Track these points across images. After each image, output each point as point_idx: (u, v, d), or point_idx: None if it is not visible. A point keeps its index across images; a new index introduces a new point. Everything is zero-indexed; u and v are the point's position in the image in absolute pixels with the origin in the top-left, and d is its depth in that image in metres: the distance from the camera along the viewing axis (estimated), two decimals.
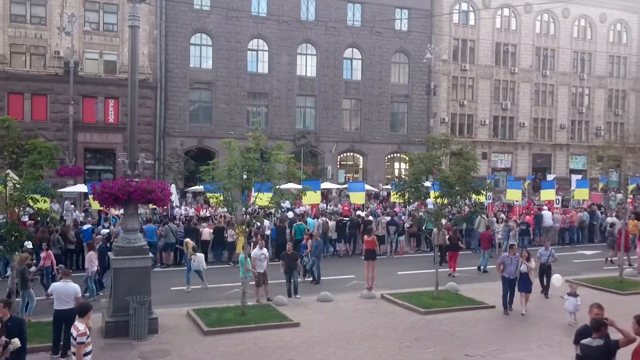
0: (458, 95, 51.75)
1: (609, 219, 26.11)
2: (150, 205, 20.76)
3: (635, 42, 57.51)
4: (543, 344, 12.03)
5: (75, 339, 8.11)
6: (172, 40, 42.01)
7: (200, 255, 17.90)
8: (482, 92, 52.32)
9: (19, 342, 8.20)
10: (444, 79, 50.88)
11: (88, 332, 8.27)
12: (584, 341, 7.30)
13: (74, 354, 8.21)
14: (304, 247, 19.18)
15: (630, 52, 57.31)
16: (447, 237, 19.81)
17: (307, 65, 46.43)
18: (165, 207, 24.62)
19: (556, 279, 14.31)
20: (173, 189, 29.60)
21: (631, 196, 33.39)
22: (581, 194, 31.72)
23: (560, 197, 32.35)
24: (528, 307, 14.46)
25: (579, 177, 40.10)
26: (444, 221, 16.83)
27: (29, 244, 15.41)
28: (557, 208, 29.46)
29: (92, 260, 16.17)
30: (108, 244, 18.05)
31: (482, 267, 20.77)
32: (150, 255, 13.58)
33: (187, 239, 19.03)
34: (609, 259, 22.30)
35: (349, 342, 12.16)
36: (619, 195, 28.53)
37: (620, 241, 18.72)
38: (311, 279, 18.71)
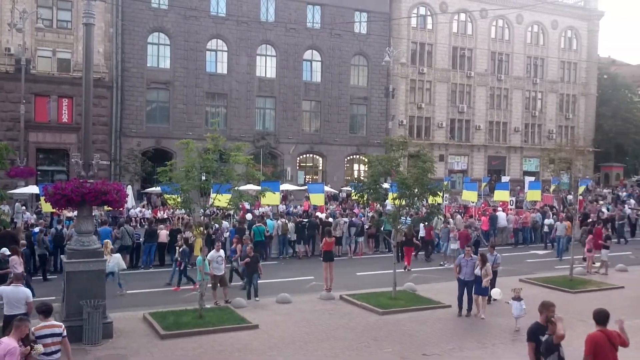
0: (416, 98, 52.47)
1: (547, 221, 26.90)
2: (105, 207, 20.33)
3: (584, 49, 59.45)
4: (498, 342, 12.31)
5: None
6: (128, 38, 41.26)
7: (116, 256, 17.13)
8: (440, 95, 53.18)
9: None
10: (403, 82, 51.51)
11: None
12: (547, 338, 7.55)
13: None
14: (234, 251, 18.20)
15: (580, 58, 59.22)
16: (403, 233, 20.44)
17: (266, 66, 46.30)
18: (121, 209, 24.13)
19: (495, 292, 13.98)
20: (129, 190, 29.16)
21: (581, 197, 34.52)
22: (534, 195, 32.63)
23: (514, 199, 33.22)
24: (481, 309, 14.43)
25: (532, 179, 41.31)
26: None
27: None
28: (511, 209, 30.19)
29: (15, 265, 14.89)
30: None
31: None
32: (105, 258, 13.31)
33: (107, 240, 18.17)
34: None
35: (308, 343, 12.18)
36: (570, 197, 29.45)
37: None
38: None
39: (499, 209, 30.03)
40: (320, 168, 49.33)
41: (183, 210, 16.10)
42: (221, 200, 14.03)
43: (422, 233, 24.06)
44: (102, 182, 12.60)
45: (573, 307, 14.80)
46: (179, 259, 17.57)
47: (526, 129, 57.45)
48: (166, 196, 15.31)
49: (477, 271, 14.20)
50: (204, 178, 13.96)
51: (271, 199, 23.93)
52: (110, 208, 18.35)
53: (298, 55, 46.64)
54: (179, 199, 13.92)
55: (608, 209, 33.51)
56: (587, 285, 17.88)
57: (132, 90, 41.44)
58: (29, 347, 7.83)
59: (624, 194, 45.10)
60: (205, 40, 43.84)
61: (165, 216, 29.00)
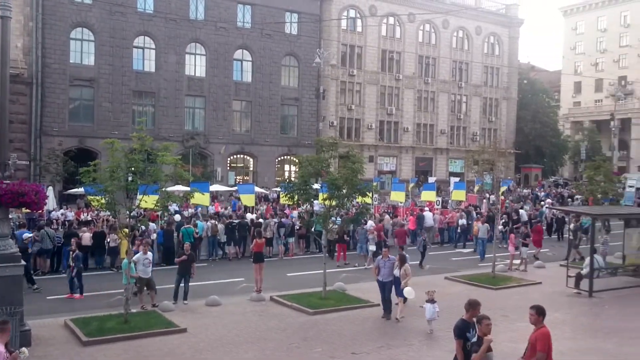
0: (346, 100, 53.11)
1: (461, 221, 27.78)
2: (24, 209, 19.38)
3: (506, 54, 62.08)
4: (424, 339, 12.60)
5: None
6: (49, 33, 39.53)
7: None
8: (369, 97, 54.08)
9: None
10: (333, 83, 52.02)
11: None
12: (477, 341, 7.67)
13: None
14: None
15: (502, 63, 61.78)
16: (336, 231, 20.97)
17: (196, 65, 45.58)
18: (41, 211, 23.05)
19: (408, 291, 13.54)
20: (50, 191, 27.91)
21: (502, 197, 35.96)
22: (459, 196, 33.72)
23: (440, 199, 34.19)
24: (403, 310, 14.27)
25: (457, 179, 42.66)
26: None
27: None
28: (437, 209, 31.05)
29: None
30: None
31: None
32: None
33: None
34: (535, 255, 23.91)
35: (238, 345, 12.06)
36: (492, 197, 30.58)
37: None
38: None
39: (426, 208, 30.82)
40: (251, 168, 49.03)
41: (108, 212, 15.53)
42: (148, 201, 13.66)
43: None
44: (19, 183, 11.97)
45: (495, 303, 15.37)
46: (72, 264, 16.51)
47: (452, 131, 59.32)
48: (90, 197, 14.74)
49: (396, 272, 14.06)
50: (130, 179, 13.55)
51: (200, 199, 23.52)
52: (28, 210, 17.51)
53: (228, 55, 46.17)
54: (103, 201, 13.44)
55: (525, 208, 34.98)
56: (508, 281, 18.61)
57: (54, 87, 39.74)
58: (17, 352, 7.48)
59: (542, 193, 47.35)
60: (132, 37, 42.66)
61: (89, 218, 27.97)
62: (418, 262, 21.59)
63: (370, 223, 24.39)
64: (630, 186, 37.95)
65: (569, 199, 42.11)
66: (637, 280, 18.46)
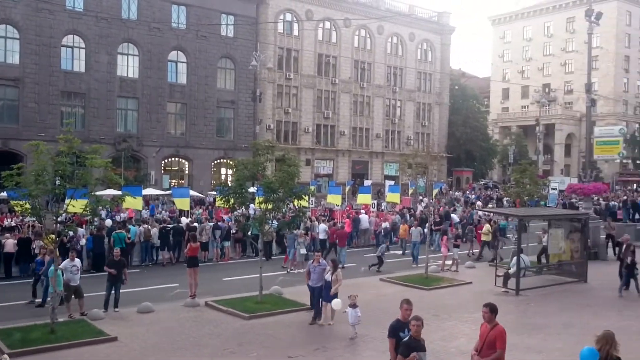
0: (283, 103, 53.12)
1: (384, 224, 28.27)
2: None
3: (438, 61, 63.79)
4: (360, 340, 12.74)
5: None
6: None
7: None
8: (306, 101, 54.29)
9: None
10: (270, 86, 51.91)
11: None
12: (406, 340, 7.73)
13: None
14: (40, 263, 16.31)
15: (435, 69, 63.44)
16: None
17: (128, 65, 44.41)
18: None
19: (336, 303, 13.20)
20: None
21: (436, 199, 36.93)
22: (393, 198, 34.36)
23: (376, 202, 34.72)
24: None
25: (392, 182, 43.45)
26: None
27: None
28: (372, 212, 31.51)
29: None
30: None
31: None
32: None
33: None
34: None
35: (171, 353, 11.81)
36: (426, 199, 31.34)
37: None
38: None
39: (362, 211, 31.22)
40: (186, 172, 48.18)
41: (34, 218, 14.90)
42: (76, 206, 13.19)
43: (322, 235, 24.39)
44: None
45: (428, 303, 15.74)
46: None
47: (387, 135, 60.37)
48: (13, 202, 14.09)
49: (328, 276, 13.83)
50: (57, 183, 13.04)
51: (132, 203, 22.93)
52: None
53: (162, 56, 45.24)
54: (27, 205, 12.87)
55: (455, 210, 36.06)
56: (441, 282, 19.11)
57: None
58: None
59: (473, 196, 48.91)
60: (61, 36, 41.10)
61: (14, 224, 26.67)
62: (377, 265, 21.74)
63: (324, 227, 24.55)
64: (554, 188, 39.71)
65: (498, 201, 43.68)
66: (560, 279, 19.38)
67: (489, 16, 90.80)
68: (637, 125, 77.18)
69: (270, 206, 15.85)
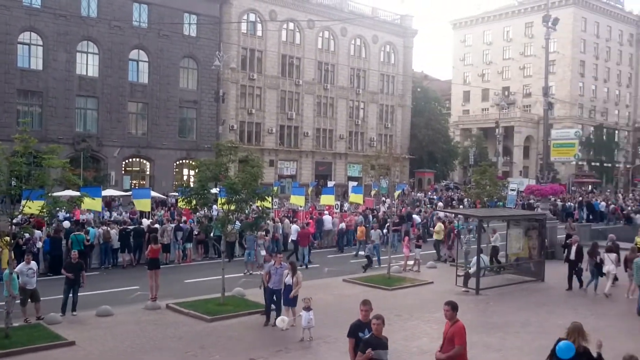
0: (247, 104, 52.88)
1: (342, 225, 28.47)
2: None
3: (401, 63, 64.48)
4: (322, 341, 12.76)
5: None
6: None
7: None
8: (270, 102, 54.18)
9: None
10: (233, 87, 51.62)
11: None
12: (367, 337, 7.82)
13: None
14: None
15: (397, 72, 64.12)
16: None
17: (88, 64, 43.53)
18: None
19: (280, 321, 12.92)
20: None
21: (398, 200, 37.28)
22: (356, 199, 34.55)
23: (339, 203, 34.85)
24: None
25: (355, 183, 43.72)
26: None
27: None
28: (336, 213, 31.61)
29: None
30: None
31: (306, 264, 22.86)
32: None
33: None
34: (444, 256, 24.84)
35: (130, 356, 11.62)
36: (388, 200, 31.60)
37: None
38: None
39: (325, 212, 31.29)
40: (148, 173, 47.49)
41: None
42: (32, 207, 12.86)
43: (294, 236, 24.35)
44: None
45: (390, 303, 15.89)
46: None
47: (350, 136, 60.72)
48: None
49: (288, 279, 13.55)
50: (13, 183, 12.68)
51: (91, 205, 22.44)
52: None
53: (123, 55, 44.49)
54: None
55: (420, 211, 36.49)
56: (402, 282, 19.29)
57: None
58: None
59: (435, 197, 49.57)
60: (17, 32, 40.04)
61: None
62: (367, 266, 21.88)
63: (295, 227, 24.52)
64: (512, 189, 40.55)
65: (459, 202, 44.39)
66: (518, 278, 19.82)
67: (451, 20, 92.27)
68: (592, 128, 79.58)
69: (233, 207, 15.75)
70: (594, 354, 7.54)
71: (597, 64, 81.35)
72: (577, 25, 77.56)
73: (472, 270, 18.21)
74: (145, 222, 25.87)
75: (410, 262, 21.96)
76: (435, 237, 25.68)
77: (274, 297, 13.85)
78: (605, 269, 17.51)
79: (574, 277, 18.32)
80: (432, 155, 69.43)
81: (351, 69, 60.36)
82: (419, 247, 22.20)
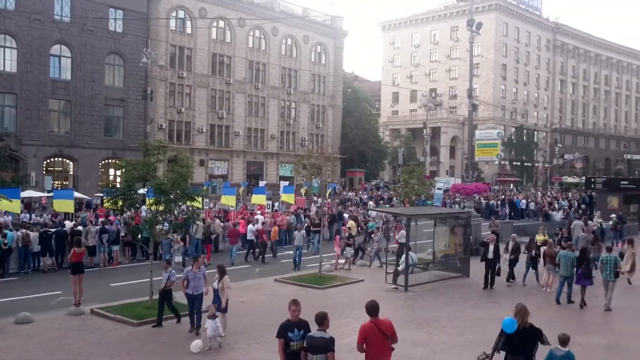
0: (176, 102, 51.83)
1: (255, 226, 28.44)
2: None
3: (332, 64, 65.03)
4: (253, 342, 12.68)
5: None
6: None
7: None
8: (200, 101, 53.31)
9: None
10: (162, 85, 50.45)
11: None
12: (310, 334, 7.86)
13: None
14: None
15: (328, 72, 64.63)
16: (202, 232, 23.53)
17: (5, 59, 41.35)
18: None
19: (195, 345, 11.82)
20: None
21: (329, 200, 37.57)
22: (288, 199, 34.57)
23: (271, 202, 34.74)
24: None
25: (287, 183, 43.71)
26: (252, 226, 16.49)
27: None
28: (267, 212, 31.50)
29: None
30: None
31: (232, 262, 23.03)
32: None
33: None
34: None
35: None
36: (319, 200, 31.79)
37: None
38: None
39: (257, 212, 31.12)
40: (71, 173, 45.61)
41: None
42: None
43: (250, 236, 24.37)
44: None
45: (322, 302, 15.97)
46: None
47: (282, 136, 60.67)
48: None
49: (215, 284, 12.89)
50: None
51: (9, 206, 21.34)
52: None
53: (44, 49, 42.53)
54: None
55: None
56: (334, 280, 19.45)
57: None
58: None
59: (365, 196, 50.29)
60: None
61: None
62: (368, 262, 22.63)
63: (252, 227, 24.33)
64: (439, 188, 41.79)
65: (388, 201, 45.24)
66: (445, 274, 20.42)
67: (380, 22, 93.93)
68: (513, 129, 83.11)
69: (161, 208, 15.39)
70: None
71: (517, 68, 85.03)
72: (499, 30, 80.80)
73: (401, 267, 18.60)
74: (68, 224, 24.85)
75: (342, 261, 22.18)
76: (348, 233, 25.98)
77: (194, 303, 13.14)
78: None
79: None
80: (363, 155, 70.40)
81: (282, 69, 60.30)
82: (349, 245, 22.44)
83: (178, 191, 15.29)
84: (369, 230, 25.79)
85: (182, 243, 21.55)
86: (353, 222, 26.13)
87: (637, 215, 33.64)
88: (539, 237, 20.92)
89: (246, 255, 24.67)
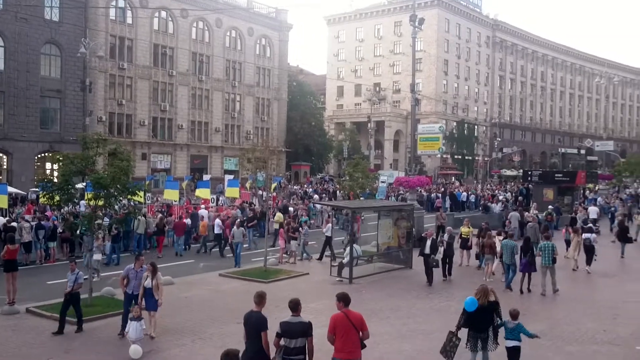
0: (116, 94, 50.46)
1: (187, 220, 28.22)
2: None
3: (277, 57, 64.76)
4: (197, 338, 12.53)
5: None
6: None
7: None
8: (141, 93, 52.09)
9: None
10: (101, 76, 49.01)
11: None
12: (284, 319, 8.09)
13: None
14: None
15: (273, 65, 64.33)
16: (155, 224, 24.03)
17: None
18: None
19: (133, 351, 11.04)
20: None
21: (274, 193, 37.52)
22: (232, 193, 34.26)
23: (215, 196, 34.35)
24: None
25: (231, 177, 43.33)
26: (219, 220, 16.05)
27: None
28: (212, 207, 31.14)
29: None
30: None
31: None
32: None
33: None
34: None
35: None
36: (264, 193, 31.66)
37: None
38: None
39: (201, 206, 30.72)
40: (5, 167, 43.72)
41: None
42: None
43: (217, 230, 24.11)
44: None
45: (268, 295, 15.79)
46: None
47: (226, 129, 60.06)
48: None
49: (147, 283, 12.34)
50: None
51: None
52: None
53: None
54: None
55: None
56: (279, 274, 19.44)
57: None
58: None
59: (311, 189, 50.44)
60: None
61: None
62: None
63: (218, 221, 24.00)
64: (383, 182, 42.35)
65: (333, 194, 45.51)
66: (389, 266, 20.75)
67: (325, 16, 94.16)
68: (454, 124, 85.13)
69: (101, 203, 14.98)
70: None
71: (459, 63, 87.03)
72: (441, 26, 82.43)
73: (346, 260, 18.78)
74: (1, 220, 23.82)
75: (287, 255, 22.20)
76: (275, 226, 26.02)
77: (133, 303, 12.32)
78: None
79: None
80: (308, 149, 70.55)
81: (227, 61, 59.61)
82: (294, 239, 22.47)
83: (118, 185, 14.91)
84: (301, 223, 25.43)
85: (103, 242, 20.37)
86: (280, 215, 26.07)
87: (570, 206, 35.08)
88: (463, 230, 21.53)
89: (211, 247, 24.75)
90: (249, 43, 61.38)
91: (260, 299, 8.43)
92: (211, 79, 57.76)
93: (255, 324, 8.13)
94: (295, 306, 8.16)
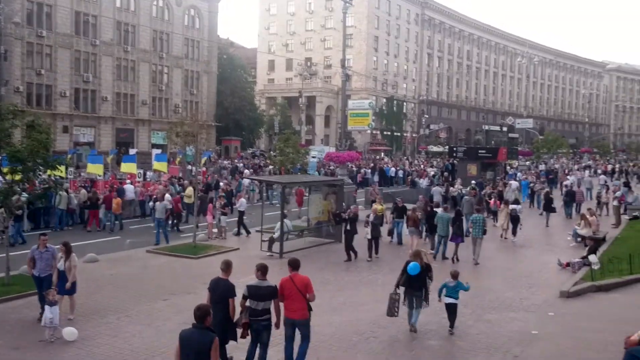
0: (35, 64, 47.86)
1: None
2: None
3: (206, 29, 63.25)
4: (123, 315, 12.25)
5: None
6: None
7: None
8: (62, 62, 49.65)
9: None
10: (18, 43, 46.28)
11: None
12: (251, 283, 8.77)
13: None
14: None
15: (203, 37, 62.81)
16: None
17: None
18: None
19: (68, 333, 10.53)
20: None
21: (204, 168, 36.96)
22: (160, 167, 33.44)
23: (142, 171, 33.39)
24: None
25: (159, 151, 42.23)
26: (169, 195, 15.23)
27: None
28: (138, 182, 30.31)
29: None
30: None
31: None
32: None
33: None
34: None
35: None
36: (194, 168, 31.13)
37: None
38: None
39: (127, 181, 29.81)
40: None
41: None
42: None
43: (169, 205, 22.46)
44: None
45: (197, 271, 15.81)
46: None
47: (154, 102, 58.38)
48: None
49: (60, 265, 11.60)
50: None
51: None
52: None
53: None
54: None
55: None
56: (209, 250, 19.22)
57: None
58: None
59: (241, 164, 49.99)
60: None
61: None
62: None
63: (168, 196, 22.66)
64: (313, 157, 42.54)
65: (264, 169, 45.31)
66: (319, 240, 20.96)
67: None
68: (384, 100, 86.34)
69: (18, 177, 14.24)
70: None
71: (389, 40, 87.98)
72: (372, 2, 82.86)
73: (277, 235, 18.80)
74: None
75: (215, 230, 21.96)
76: (186, 200, 25.39)
77: (42, 286, 11.63)
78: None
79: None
80: (239, 123, 69.71)
81: (154, 32, 57.63)
82: (224, 214, 22.24)
83: (37, 159, 14.21)
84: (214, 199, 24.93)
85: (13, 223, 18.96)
86: (191, 189, 25.20)
87: (493, 181, 36.49)
88: (376, 206, 20.73)
89: (172, 225, 23.72)
90: (177, 13, 59.54)
91: (227, 266, 8.97)
92: (137, 49, 55.74)
93: (222, 291, 8.65)
94: (264, 270, 8.83)
